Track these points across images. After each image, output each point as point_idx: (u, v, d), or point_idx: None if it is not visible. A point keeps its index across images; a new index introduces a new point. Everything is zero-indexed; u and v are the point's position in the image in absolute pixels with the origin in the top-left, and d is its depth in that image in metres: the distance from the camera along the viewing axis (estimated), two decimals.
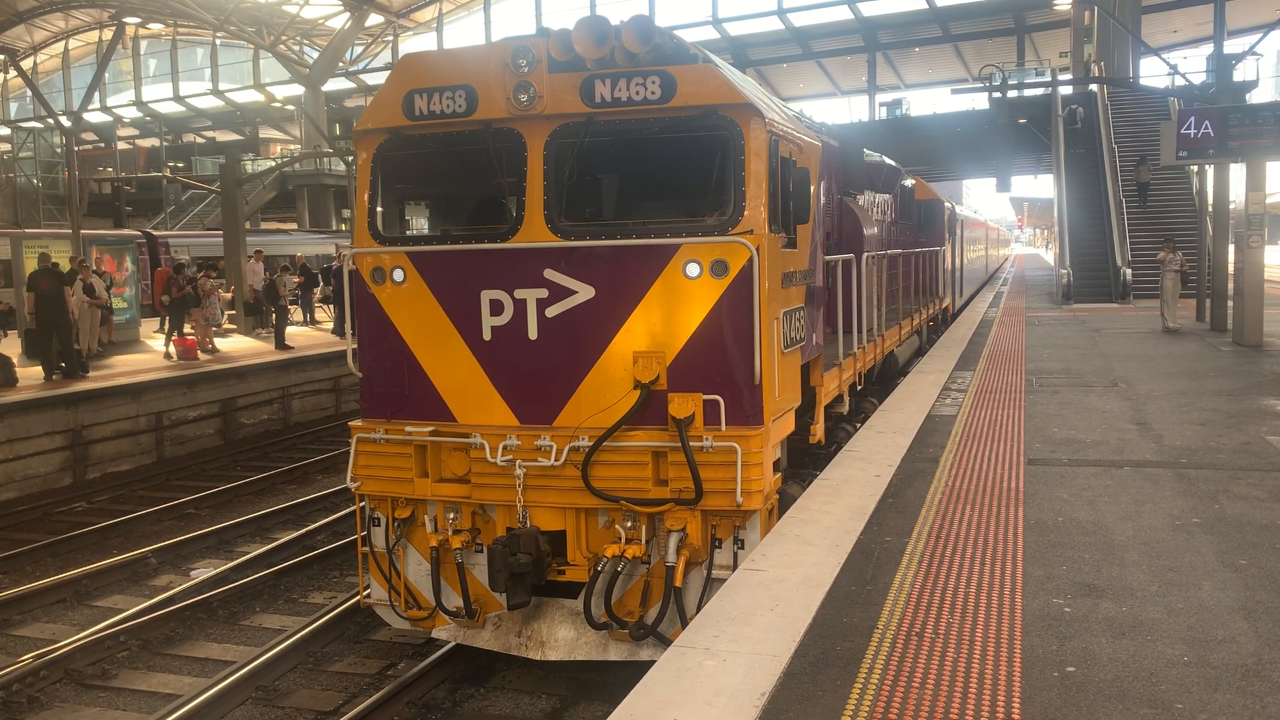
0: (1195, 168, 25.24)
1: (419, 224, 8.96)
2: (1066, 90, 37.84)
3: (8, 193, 46.86)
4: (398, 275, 7.44)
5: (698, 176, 7.31)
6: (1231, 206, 20.18)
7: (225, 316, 26.70)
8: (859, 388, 10.68)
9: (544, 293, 7.06)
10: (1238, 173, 18.59)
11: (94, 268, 21.31)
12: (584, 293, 6.99)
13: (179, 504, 14.19)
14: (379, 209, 7.71)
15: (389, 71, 8.06)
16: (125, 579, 11.23)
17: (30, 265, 19.00)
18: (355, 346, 7.83)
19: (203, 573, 11.21)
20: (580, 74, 6.88)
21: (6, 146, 56.08)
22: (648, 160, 7.36)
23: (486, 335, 7.22)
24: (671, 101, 6.77)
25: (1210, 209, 21.08)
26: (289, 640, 8.82)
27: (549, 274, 7.04)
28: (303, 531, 12.43)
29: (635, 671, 5.04)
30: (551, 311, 7.07)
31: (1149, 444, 9.22)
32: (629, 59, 6.81)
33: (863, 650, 4.72)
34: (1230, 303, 18.11)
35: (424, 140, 7.45)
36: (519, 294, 7.11)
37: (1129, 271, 26.94)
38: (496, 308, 7.17)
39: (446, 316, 7.32)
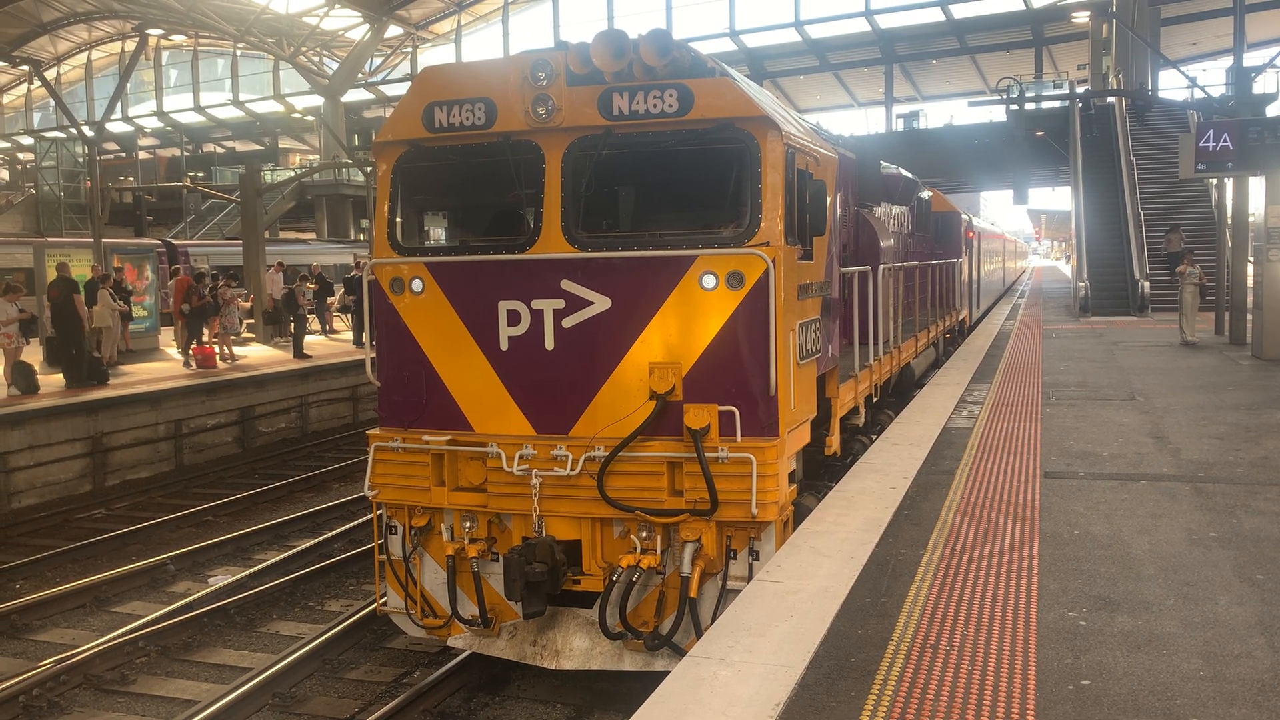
0: (1214, 180, 25.12)
1: (438, 235, 9.03)
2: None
3: (30, 202, 47.39)
4: (416, 285, 7.51)
5: (714, 188, 7.34)
6: (1251, 220, 20.07)
7: (244, 325, 26.89)
8: (875, 400, 10.67)
9: (561, 303, 7.11)
10: (1257, 186, 18.50)
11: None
12: (600, 303, 7.04)
13: (197, 511, 14.29)
14: (398, 220, 7.78)
15: (408, 83, 8.16)
16: (144, 585, 11.32)
17: (53, 274, 19.20)
18: (374, 356, 7.90)
19: (221, 580, 11.29)
20: (598, 87, 6.94)
21: (30, 156, 56.71)
22: (665, 172, 7.41)
23: (504, 345, 7.27)
24: (689, 114, 6.81)
25: (1229, 222, 20.97)
26: (306, 647, 8.87)
27: (566, 285, 7.09)
28: (320, 539, 12.50)
29: (650, 682, 5.07)
30: (568, 322, 7.11)
31: (1166, 457, 9.18)
32: (647, 72, 6.86)
33: (877, 662, 4.72)
34: (1249, 316, 18.00)
35: (443, 152, 7.52)
36: (536, 304, 7.17)
37: (1147, 284, 26.81)
38: (514, 318, 7.23)
39: (464, 326, 7.38)
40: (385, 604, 8.10)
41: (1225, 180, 21.34)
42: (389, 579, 7.97)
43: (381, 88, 61.43)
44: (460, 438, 7.44)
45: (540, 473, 7.08)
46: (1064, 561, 6.17)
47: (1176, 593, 5.61)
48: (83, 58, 67.86)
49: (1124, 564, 6.12)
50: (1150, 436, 10.16)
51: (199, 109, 67.49)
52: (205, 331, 22.09)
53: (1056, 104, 39.02)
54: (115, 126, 63.06)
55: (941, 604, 5.46)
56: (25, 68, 55.40)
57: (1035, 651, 4.82)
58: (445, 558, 7.57)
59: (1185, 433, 10.32)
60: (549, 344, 7.16)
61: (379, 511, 8.04)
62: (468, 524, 7.50)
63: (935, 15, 52.23)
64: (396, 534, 7.85)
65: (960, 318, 20.71)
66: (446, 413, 7.50)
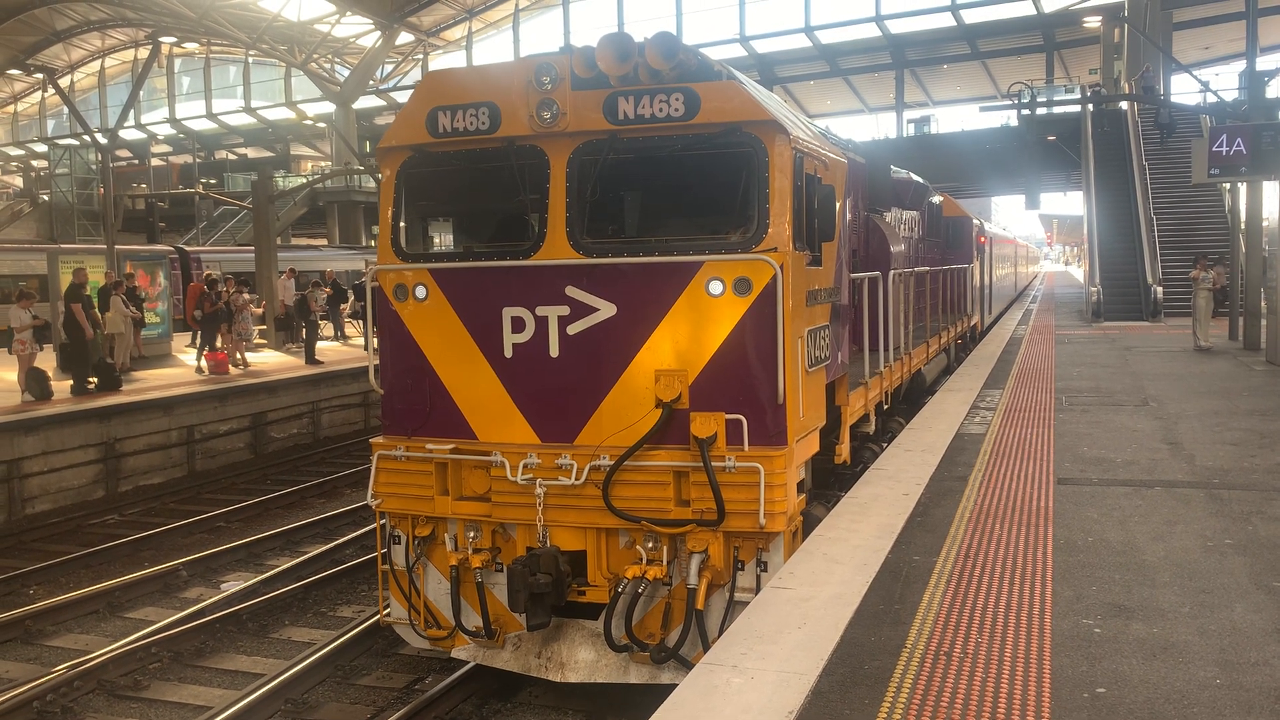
0: (1227, 185, 24.97)
1: (442, 241, 9.00)
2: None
3: (44, 209, 47.71)
4: (420, 292, 7.46)
5: (721, 193, 7.28)
6: (1264, 224, 19.93)
7: (256, 331, 26.99)
8: (885, 407, 10.60)
9: (566, 310, 7.06)
10: (1270, 190, 18.37)
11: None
12: (606, 310, 6.98)
13: (210, 517, 14.31)
14: (402, 225, 7.75)
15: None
16: (157, 591, 11.33)
17: (66, 281, 19.31)
18: (377, 363, 7.87)
19: (233, 585, 11.28)
20: (604, 91, 6.88)
21: (44, 163, 57.12)
22: (671, 177, 7.34)
23: (508, 352, 7.22)
24: (695, 118, 6.75)
25: (1243, 227, 20.83)
26: (318, 654, 8.85)
27: (571, 291, 7.04)
28: (331, 545, 12.49)
29: (659, 692, 5.03)
30: (573, 329, 7.06)
31: (1180, 464, 9.09)
32: (653, 76, 6.80)
33: (891, 669, 4.68)
34: (1264, 321, 17.86)
35: (447, 157, 7.47)
36: (541, 311, 7.11)
37: (1160, 289, 26.65)
38: (518, 325, 7.17)
39: (468, 333, 7.33)
40: (389, 614, 8.06)
41: (1239, 185, 21.21)
42: (392, 589, 7.92)
43: (393, 94, 61.64)
44: (464, 446, 7.39)
45: (545, 482, 7.02)
46: (1078, 568, 6.11)
47: (1192, 600, 5.55)
48: (96, 65, 68.32)
49: (1139, 571, 6.06)
50: (1164, 442, 10.08)
51: (211, 116, 67.86)
52: (218, 337, 22.15)
53: (1068, 109, 38.81)
54: (128, 134, 63.42)
55: (955, 611, 5.41)
56: (39, 75, 55.79)
57: (1050, 659, 4.77)
58: (449, 568, 7.52)
59: (1199, 439, 10.23)
60: (554, 351, 7.10)
61: (382, 521, 7.99)
62: (471, 534, 7.44)
63: (946, 20, 52.11)
64: (400, 543, 7.80)
65: (972, 323, 20.61)
66: (450, 421, 7.44)
